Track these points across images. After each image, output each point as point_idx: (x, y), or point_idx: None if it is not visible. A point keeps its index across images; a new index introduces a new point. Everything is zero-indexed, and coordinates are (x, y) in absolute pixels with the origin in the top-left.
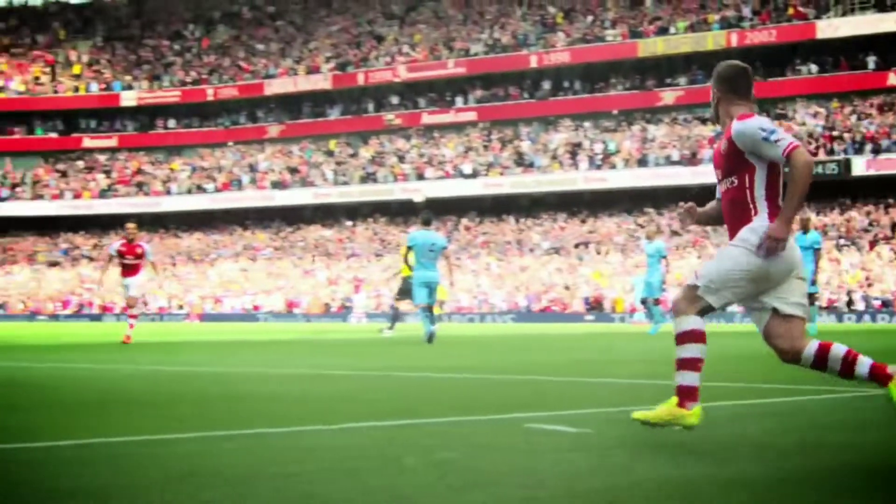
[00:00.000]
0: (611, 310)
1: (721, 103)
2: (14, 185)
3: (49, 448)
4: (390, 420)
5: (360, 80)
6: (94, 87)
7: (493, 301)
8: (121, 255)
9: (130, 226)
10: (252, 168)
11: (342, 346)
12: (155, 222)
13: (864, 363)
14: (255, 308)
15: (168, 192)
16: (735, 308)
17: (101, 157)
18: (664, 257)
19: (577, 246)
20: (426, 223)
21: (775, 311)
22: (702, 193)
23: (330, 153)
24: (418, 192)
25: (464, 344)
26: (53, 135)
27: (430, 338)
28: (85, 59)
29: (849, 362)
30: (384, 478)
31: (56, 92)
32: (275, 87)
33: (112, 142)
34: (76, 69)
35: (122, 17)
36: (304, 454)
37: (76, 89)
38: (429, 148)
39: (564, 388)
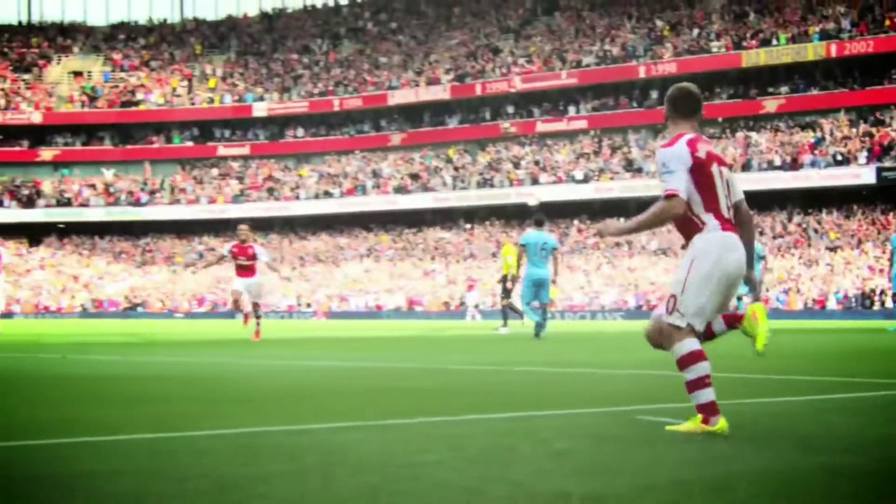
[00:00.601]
0: None
1: (667, 122)
2: (153, 191)
3: (213, 437)
4: (508, 412)
5: (478, 90)
6: (228, 99)
7: (604, 300)
8: (234, 256)
9: (242, 227)
10: (376, 174)
11: (460, 342)
12: (284, 225)
13: (718, 320)
14: (378, 307)
15: (297, 197)
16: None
17: (235, 165)
18: (762, 258)
19: (682, 247)
20: (538, 224)
21: None
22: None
23: (449, 160)
24: (532, 196)
25: (575, 340)
26: (190, 143)
27: (538, 332)
28: (219, 72)
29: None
30: (503, 467)
31: (193, 103)
32: (397, 98)
33: (244, 150)
34: (211, 82)
35: (254, 33)
36: (431, 443)
37: (211, 101)
38: (542, 154)
39: (671, 382)
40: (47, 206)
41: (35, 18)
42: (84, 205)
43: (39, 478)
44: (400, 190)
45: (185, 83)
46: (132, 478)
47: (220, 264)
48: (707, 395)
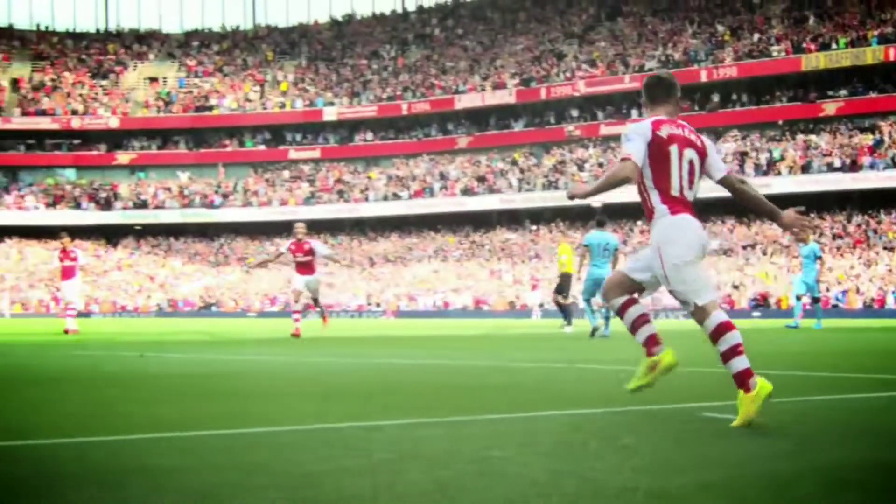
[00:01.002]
0: (776, 306)
1: (644, 109)
2: (226, 194)
3: (288, 432)
4: (574, 409)
5: (543, 94)
6: (299, 104)
7: (666, 299)
8: (293, 254)
9: (299, 225)
10: (443, 176)
11: (526, 341)
12: (354, 227)
13: (643, 332)
14: (446, 305)
15: (366, 199)
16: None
17: (305, 168)
18: (819, 258)
19: (744, 248)
20: (600, 225)
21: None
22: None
23: (515, 162)
24: (595, 198)
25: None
26: (262, 147)
27: (595, 333)
28: (291, 78)
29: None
30: (572, 462)
31: (265, 108)
32: (464, 102)
33: (315, 153)
34: (283, 87)
35: (324, 39)
36: (500, 439)
37: (283, 105)
38: (606, 157)
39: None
40: (124, 208)
41: (112, 26)
42: (160, 207)
43: (126, 471)
44: (467, 192)
45: (258, 88)
46: (211, 472)
47: (275, 262)
48: (743, 362)
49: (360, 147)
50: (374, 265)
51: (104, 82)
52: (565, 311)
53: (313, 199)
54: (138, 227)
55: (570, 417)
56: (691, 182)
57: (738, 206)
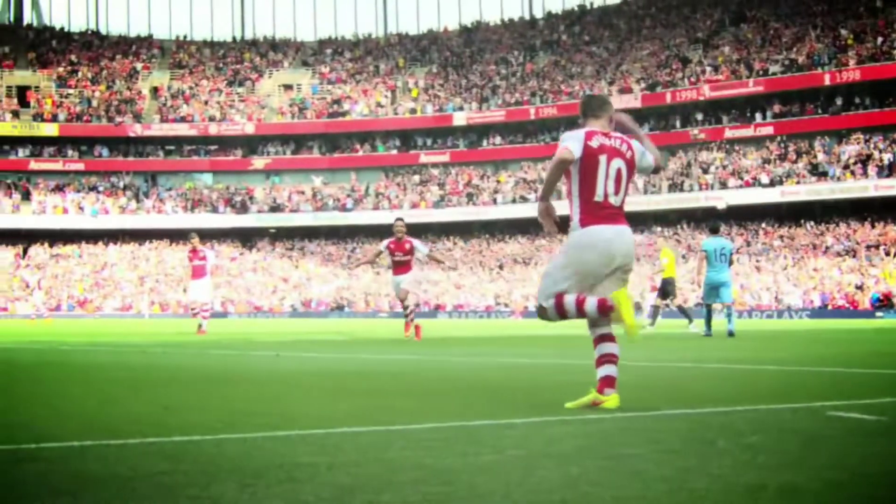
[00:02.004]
0: None
1: (580, 122)
2: (358, 197)
3: (422, 430)
4: (702, 407)
5: (668, 98)
6: (430, 109)
7: (790, 299)
8: (391, 252)
9: (399, 223)
10: None
11: (650, 340)
12: (483, 229)
13: (591, 302)
14: None
15: (494, 202)
16: None
17: (435, 171)
18: None
19: (868, 248)
20: (714, 231)
21: None
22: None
23: None
24: (721, 199)
25: (763, 338)
26: (394, 152)
27: (730, 334)
28: (421, 84)
29: (580, 304)
30: (700, 459)
31: (396, 114)
32: None
33: (445, 157)
34: (414, 93)
35: (454, 46)
36: (629, 436)
37: (413, 111)
38: (730, 159)
39: (861, 379)
40: (259, 211)
41: (248, 35)
42: (294, 210)
43: (263, 467)
44: None
45: (389, 94)
46: (345, 469)
47: (375, 261)
48: (613, 370)
49: (488, 151)
50: (502, 267)
51: (240, 89)
52: (685, 312)
53: (443, 202)
54: (273, 230)
55: (697, 416)
56: (617, 189)
57: (860, 207)
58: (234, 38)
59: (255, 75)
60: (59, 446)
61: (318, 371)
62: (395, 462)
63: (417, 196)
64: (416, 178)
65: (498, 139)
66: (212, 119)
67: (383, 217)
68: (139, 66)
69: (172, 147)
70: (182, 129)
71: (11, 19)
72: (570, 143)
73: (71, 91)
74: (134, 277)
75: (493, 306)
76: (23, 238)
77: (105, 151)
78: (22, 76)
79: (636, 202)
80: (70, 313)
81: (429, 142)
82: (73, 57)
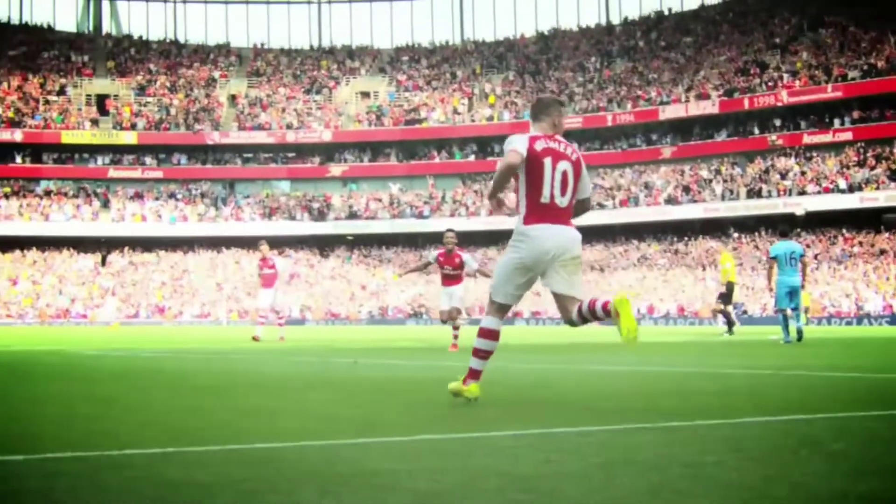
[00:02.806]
0: None
1: (530, 127)
2: (436, 205)
3: (506, 437)
4: (784, 415)
5: (746, 104)
6: (507, 116)
7: (869, 306)
8: (440, 265)
9: (449, 235)
10: (647, 186)
11: (731, 347)
12: None
13: (599, 303)
14: (650, 311)
15: None
16: None
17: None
18: None
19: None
20: (784, 234)
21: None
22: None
23: (718, 171)
24: (799, 206)
25: (842, 345)
26: (471, 158)
27: (800, 337)
28: (498, 90)
29: (591, 307)
30: (783, 467)
31: (473, 121)
32: (668, 113)
33: None
34: (490, 100)
35: (530, 53)
36: (710, 444)
37: (490, 118)
38: (809, 166)
39: None
40: (336, 218)
41: (325, 43)
42: (371, 217)
43: (344, 474)
44: (671, 201)
45: (466, 101)
46: (426, 476)
47: (423, 272)
48: (481, 364)
49: None
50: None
51: (317, 97)
52: (728, 319)
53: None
54: (350, 237)
55: (779, 423)
56: (563, 190)
57: None
58: (311, 46)
59: (332, 83)
60: (142, 453)
61: (397, 378)
62: (476, 469)
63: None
64: None
65: (575, 145)
66: (289, 127)
67: (460, 224)
68: (217, 74)
69: (250, 155)
70: (260, 137)
71: (91, 28)
72: (517, 146)
73: (149, 99)
74: (212, 284)
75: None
76: (102, 245)
77: (183, 159)
78: (101, 85)
79: (714, 208)
80: (148, 320)
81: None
82: (151, 65)
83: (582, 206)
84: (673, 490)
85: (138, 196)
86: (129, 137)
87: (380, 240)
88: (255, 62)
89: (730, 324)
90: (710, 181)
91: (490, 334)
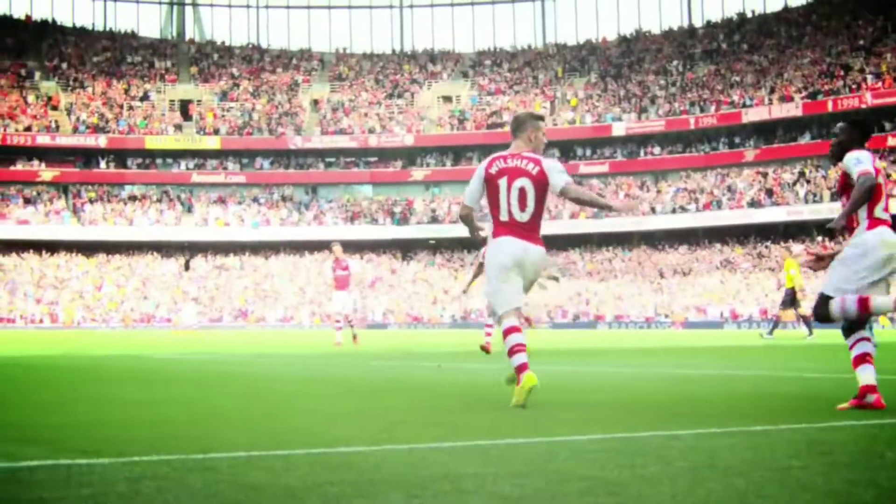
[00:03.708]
0: None
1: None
2: None
3: (590, 441)
4: (871, 419)
5: (829, 107)
6: (588, 119)
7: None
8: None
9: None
10: (730, 189)
11: (815, 350)
12: (643, 239)
13: (513, 358)
14: (734, 316)
15: (654, 212)
16: None
17: (594, 182)
18: None
19: None
20: None
21: None
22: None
23: (801, 174)
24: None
25: None
26: None
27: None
28: (580, 94)
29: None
30: (869, 472)
31: (555, 124)
32: (751, 116)
33: (604, 167)
34: (573, 103)
35: (612, 56)
36: (796, 449)
37: (572, 121)
38: (894, 168)
39: None
40: (419, 222)
41: (407, 47)
42: (453, 221)
43: (429, 477)
44: (754, 204)
45: (548, 105)
46: (511, 480)
47: (481, 272)
48: (517, 359)
49: (647, 161)
50: (663, 277)
51: (399, 101)
52: (808, 323)
53: (601, 213)
54: (432, 241)
55: (864, 428)
56: (523, 206)
57: None
58: (393, 51)
59: (414, 87)
60: (227, 456)
61: (480, 383)
62: (560, 473)
63: (576, 206)
64: None
65: (657, 149)
66: (371, 131)
67: (545, 227)
68: (299, 78)
69: (332, 159)
70: (342, 142)
71: (174, 34)
72: (468, 191)
73: (232, 104)
74: (294, 289)
75: (653, 317)
76: (185, 250)
77: (266, 164)
78: (184, 90)
79: (797, 211)
80: (232, 324)
81: (588, 152)
82: (234, 70)
83: (571, 197)
84: (759, 495)
85: (221, 200)
86: (212, 142)
87: (462, 244)
88: (338, 67)
89: (774, 325)
90: (794, 184)
91: (512, 330)
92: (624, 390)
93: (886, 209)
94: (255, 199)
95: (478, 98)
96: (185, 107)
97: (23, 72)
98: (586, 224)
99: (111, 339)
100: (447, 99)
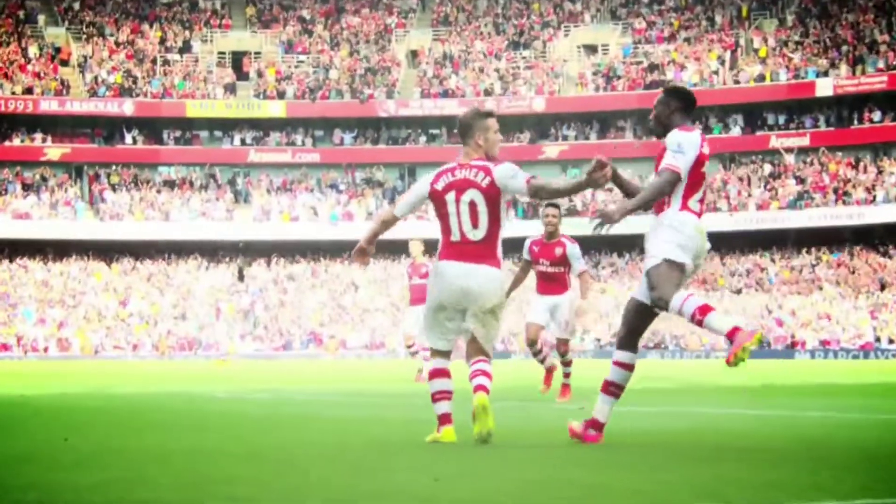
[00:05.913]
0: None
1: None
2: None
3: None
4: None
5: None
6: (783, 76)
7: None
8: (534, 257)
9: (550, 212)
10: None
11: None
12: (858, 237)
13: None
14: None
15: (873, 201)
16: None
17: (791, 159)
18: None
19: None
20: None
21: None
22: None
23: None
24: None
25: None
26: (735, 133)
27: None
28: (771, 41)
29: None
30: None
31: (737, 82)
32: None
33: (804, 140)
34: (762, 53)
35: None
36: None
37: (761, 78)
38: None
39: None
40: None
41: None
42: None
43: None
44: None
45: (727, 56)
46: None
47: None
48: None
49: (865, 131)
50: (883, 287)
51: (526, 53)
52: None
53: (800, 201)
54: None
55: None
56: (475, 223)
57: None
58: None
59: (546, 34)
60: None
61: (637, 430)
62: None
63: (767, 192)
64: (766, 167)
65: (878, 114)
66: (488, 93)
67: (719, 221)
68: (392, 22)
69: (437, 131)
70: (449, 107)
71: None
72: (401, 200)
73: (302, 58)
74: (385, 304)
75: (871, 343)
76: (239, 253)
77: (347, 138)
78: (238, 39)
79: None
80: (303, 352)
81: (781, 119)
82: (304, 13)
83: (546, 194)
84: None
85: (287, 187)
86: (275, 109)
87: (611, 243)
88: (443, 7)
89: None
90: None
91: (437, 374)
92: (826, 441)
93: (702, 201)
94: (333, 185)
95: (632, 48)
96: (238, 62)
97: (21, 14)
98: (780, 217)
99: (143, 371)
100: (591, 49)
